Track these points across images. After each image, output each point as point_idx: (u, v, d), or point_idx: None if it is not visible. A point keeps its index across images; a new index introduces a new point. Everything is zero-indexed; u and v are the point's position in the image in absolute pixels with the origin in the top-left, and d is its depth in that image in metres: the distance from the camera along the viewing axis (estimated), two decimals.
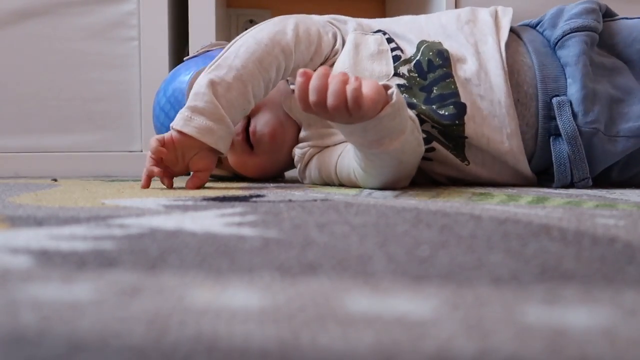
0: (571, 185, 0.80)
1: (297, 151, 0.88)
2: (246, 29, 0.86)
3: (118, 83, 1.20)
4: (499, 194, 0.68)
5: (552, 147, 0.80)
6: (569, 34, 0.82)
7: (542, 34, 0.87)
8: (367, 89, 0.59)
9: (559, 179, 0.80)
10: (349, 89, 0.58)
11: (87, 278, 0.27)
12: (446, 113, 0.78)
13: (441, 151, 0.81)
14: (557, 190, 0.75)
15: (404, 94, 0.79)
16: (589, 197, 0.65)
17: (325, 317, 0.22)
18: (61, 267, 0.29)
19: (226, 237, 0.37)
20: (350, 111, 0.58)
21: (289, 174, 1.02)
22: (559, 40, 0.83)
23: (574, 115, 0.78)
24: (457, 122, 0.78)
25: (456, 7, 1.24)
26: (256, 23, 1.64)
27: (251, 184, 0.85)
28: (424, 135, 0.78)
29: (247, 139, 0.87)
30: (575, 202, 0.60)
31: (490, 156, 0.81)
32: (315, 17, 0.87)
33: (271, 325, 0.21)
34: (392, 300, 0.24)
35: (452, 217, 0.46)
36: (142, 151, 1.20)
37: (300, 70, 0.60)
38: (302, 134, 0.88)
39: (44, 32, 1.19)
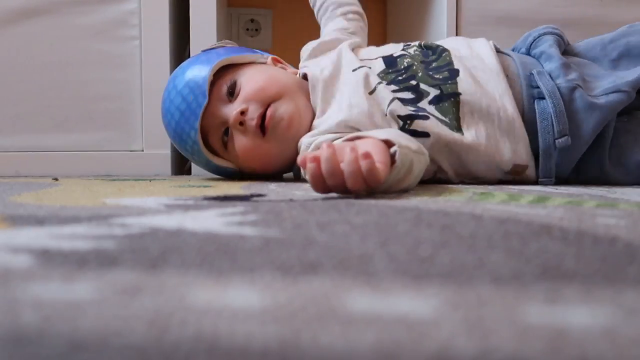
0: (553, 146, 0.84)
1: (305, 140, 0.87)
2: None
3: (119, 82, 1.20)
4: (500, 193, 0.68)
5: (535, 106, 0.85)
6: (537, 38, 0.95)
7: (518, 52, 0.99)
8: (377, 157, 0.59)
9: (542, 134, 0.84)
10: (364, 167, 0.57)
11: (88, 277, 0.27)
12: (441, 77, 0.87)
13: (435, 128, 0.83)
14: (558, 190, 0.75)
15: (409, 64, 0.90)
16: (590, 197, 0.65)
17: (326, 317, 0.22)
18: (62, 266, 0.29)
19: (227, 236, 0.37)
20: (368, 185, 0.58)
21: (287, 175, 1.02)
22: (531, 45, 0.95)
23: (554, 79, 0.86)
24: (450, 82, 0.86)
25: (457, 6, 1.24)
26: (257, 22, 1.66)
27: (252, 183, 0.85)
28: (422, 113, 0.84)
29: (260, 125, 0.87)
30: (576, 201, 0.60)
31: (484, 119, 0.85)
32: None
33: (272, 325, 0.21)
34: (393, 299, 0.24)
35: (453, 217, 0.46)
36: (143, 150, 1.20)
37: (309, 156, 0.59)
38: (316, 121, 0.89)
39: (44, 31, 1.19)
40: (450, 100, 0.85)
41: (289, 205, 0.54)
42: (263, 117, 0.86)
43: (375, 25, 1.66)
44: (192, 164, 1.19)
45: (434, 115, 0.84)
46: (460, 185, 0.82)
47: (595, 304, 0.24)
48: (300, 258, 0.31)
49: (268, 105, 0.87)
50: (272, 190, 0.72)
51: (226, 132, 0.89)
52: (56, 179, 1.00)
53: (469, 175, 0.87)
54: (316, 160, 0.59)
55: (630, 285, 0.26)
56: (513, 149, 0.84)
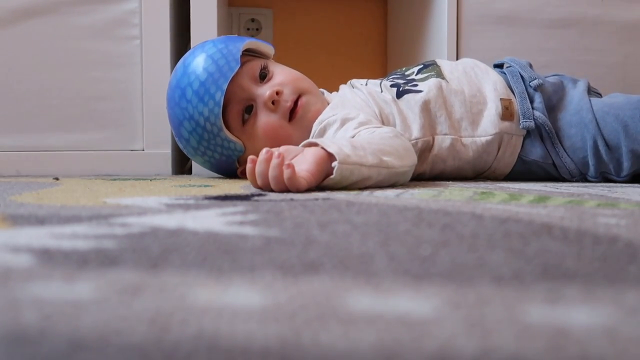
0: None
1: (315, 127, 0.90)
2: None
3: (120, 82, 1.20)
4: (501, 192, 0.68)
5: (506, 72, 0.98)
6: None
7: None
8: (305, 166, 0.66)
9: (514, 84, 0.94)
10: (286, 175, 0.64)
11: (89, 277, 0.27)
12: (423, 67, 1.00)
13: (424, 84, 0.94)
14: (559, 190, 0.75)
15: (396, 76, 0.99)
16: (591, 197, 0.65)
17: (327, 316, 0.22)
18: (63, 265, 0.29)
19: (228, 236, 0.37)
20: (290, 189, 0.65)
21: None
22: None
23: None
24: (430, 64, 1.00)
25: (457, 6, 1.24)
26: (258, 22, 1.66)
27: None
28: (411, 82, 0.95)
29: (290, 111, 0.91)
30: (577, 201, 0.60)
31: (462, 71, 0.97)
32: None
33: (272, 324, 0.21)
34: (394, 299, 0.24)
35: (454, 216, 0.46)
36: (143, 150, 1.20)
37: (250, 158, 0.68)
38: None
39: (45, 31, 1.19)
40: (431, 66, 0.98)
41: (290, 204, 0.54)
42: (295, 103, 0.91)
43: (375, 25, 1.65)
44: (193, 163, 1.19)
45: (420, 80, 0.95)
46: (460, 184, 0.82)
47: (595, 303, 0.24)
48: (300, 258, 0.31)
49: (299, 96, 0.92)
50: None
51: (247, 110, 0.92)
52: (57, 179, 1.00)
53: (470, 128, 0.92)
54: (253, 162, 0.67)
55: (630, 284, 0.26)
56: (494, 87, 0.94)
